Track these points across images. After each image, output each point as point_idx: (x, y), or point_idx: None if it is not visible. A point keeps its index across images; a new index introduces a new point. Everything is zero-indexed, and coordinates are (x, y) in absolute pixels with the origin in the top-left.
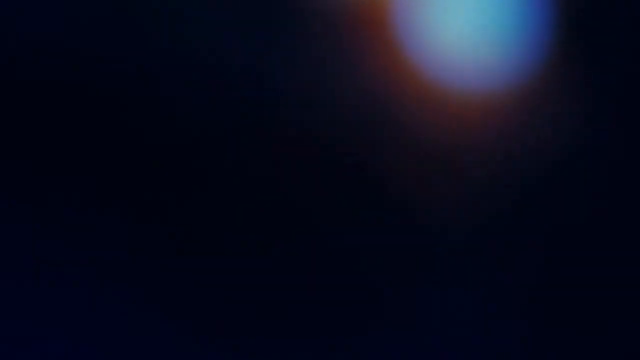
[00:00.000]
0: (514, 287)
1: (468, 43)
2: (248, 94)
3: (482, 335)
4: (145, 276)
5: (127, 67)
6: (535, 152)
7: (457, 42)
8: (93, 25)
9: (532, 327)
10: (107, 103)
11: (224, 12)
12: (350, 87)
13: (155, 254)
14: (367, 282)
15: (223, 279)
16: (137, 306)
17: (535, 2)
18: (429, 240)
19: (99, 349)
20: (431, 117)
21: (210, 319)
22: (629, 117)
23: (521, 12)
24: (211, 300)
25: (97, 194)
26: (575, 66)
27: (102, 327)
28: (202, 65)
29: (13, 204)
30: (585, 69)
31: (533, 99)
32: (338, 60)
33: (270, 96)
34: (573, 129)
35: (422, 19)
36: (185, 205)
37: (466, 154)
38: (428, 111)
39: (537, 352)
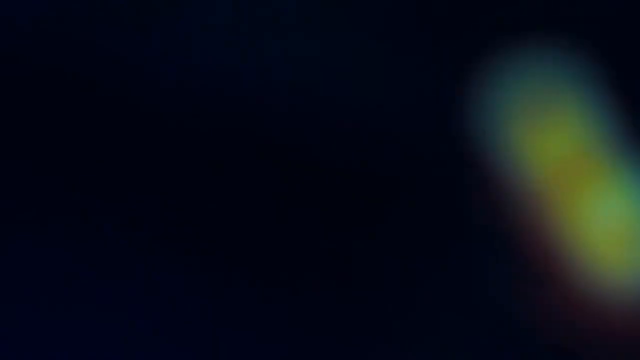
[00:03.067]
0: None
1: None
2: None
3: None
4: (144, 276)
5: (126, 64)
6: None
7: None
8: (94, 19)
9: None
10: (108, 101)
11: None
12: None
13: (154, 254)
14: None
15: (222, 283)
16: (137, 307)
17: None
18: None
19: (97, 350)
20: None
21: (210, 321)
22: None
23: None
24: (210, 304)
25: (98, 192)
26: None
27: (102, 328)
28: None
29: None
30: None
31: None
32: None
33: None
34: None
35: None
36: (196, 207)
37: None
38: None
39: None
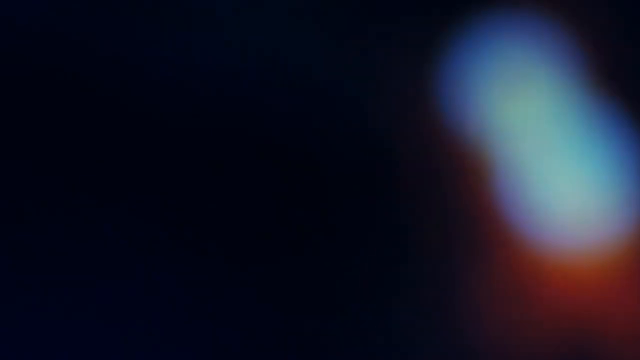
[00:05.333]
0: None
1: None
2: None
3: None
4: (144, 276)
5: (126, 64)
6: None
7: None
8: (99, 16)
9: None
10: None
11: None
12: None
13: (154, 254)
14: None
15: (222, 283)
16: (137, 306)
17: None
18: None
19: (97, 350)
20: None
21: (210, 321)
22: None
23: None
24: (210, 304)
25: (99, 190)
26: None
27: (102, 327)
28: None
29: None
30: None
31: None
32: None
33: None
34: None
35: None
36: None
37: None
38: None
39: None
